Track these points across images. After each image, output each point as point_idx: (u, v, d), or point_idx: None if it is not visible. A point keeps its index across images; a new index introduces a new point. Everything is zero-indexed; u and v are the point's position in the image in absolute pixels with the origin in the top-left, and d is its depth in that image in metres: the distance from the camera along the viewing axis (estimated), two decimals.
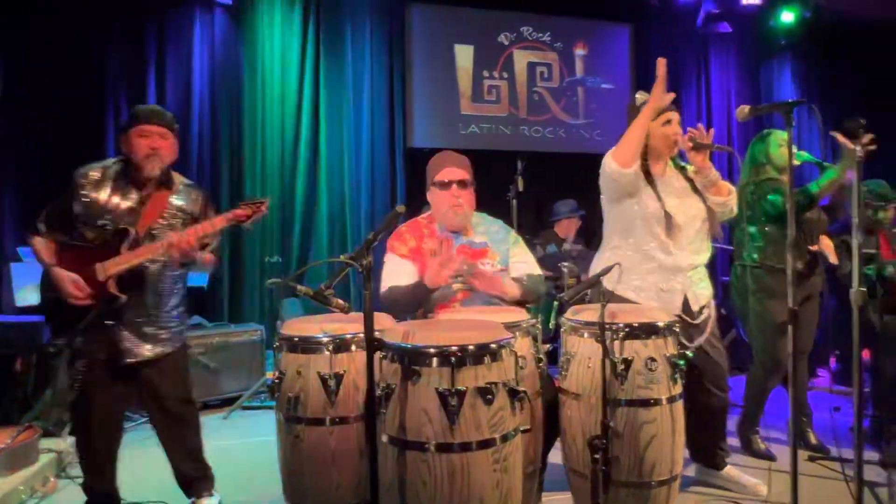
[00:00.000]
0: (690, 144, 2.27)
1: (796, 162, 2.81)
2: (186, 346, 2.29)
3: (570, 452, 1.97)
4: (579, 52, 5.85)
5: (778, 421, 3.21)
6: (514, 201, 4.27)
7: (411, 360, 1.51)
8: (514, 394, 1.55)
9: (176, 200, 2.12)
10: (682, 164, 2.47)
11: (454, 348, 1.49)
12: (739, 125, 5.98)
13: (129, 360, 2.03)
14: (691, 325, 2.28)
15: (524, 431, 1.63)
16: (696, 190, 2.38)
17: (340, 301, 1.57)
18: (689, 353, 1.93)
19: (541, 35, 5.75)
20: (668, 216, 2.25)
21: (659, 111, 2.25)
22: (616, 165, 2.23)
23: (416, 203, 3.30)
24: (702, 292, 2.36)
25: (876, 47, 6.47)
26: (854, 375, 2.13)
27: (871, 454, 2.72)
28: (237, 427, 3.54)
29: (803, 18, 5.40)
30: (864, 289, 1.95)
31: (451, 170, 2.25)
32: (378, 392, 1.53)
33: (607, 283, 2.28)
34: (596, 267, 2.47)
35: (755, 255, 2.82)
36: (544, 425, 1.99)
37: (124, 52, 4.49)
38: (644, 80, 6.01)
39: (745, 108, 2.02)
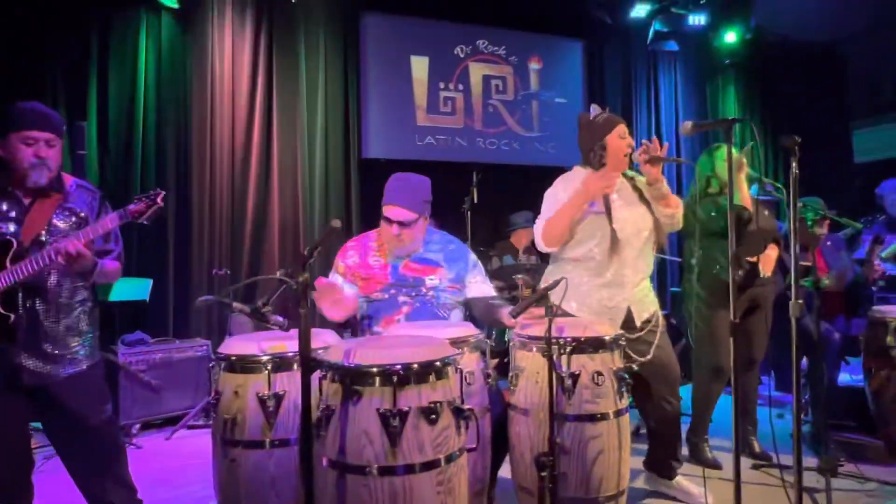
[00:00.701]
0: (645, 157, 2.30)
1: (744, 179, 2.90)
2: (99, 364, 2.05)
3: (519, 469, 1.95)
4: (534, 66, 5.93)
5: (724, 429, 3.28)
6: (469, 213, 4.28)
7: (353, 380, 1.45)
8: (459, 412, 1.51)
9: (67, 204, 1.92)
10: (631, 173, 2.50)
11: (398, 367, 1.44)
12: (686, 140, 6.17)
13: (29, 383, 1.84)
14: (636, 339, 2.30)
15: (470, 450, 1.60)
16: (644, 200, 2.42)
17: (279, 318, 1.51)
18: (635, 367, 1.94)
19: (496, 48, 5.80)
20: (613, 232, 2.27)
21: (589, 198, 2.26)
22: (546, 245, 2.33)
23: (371, 215, 3.25)
24: (647, 305, 2.39)
25: (812, 69, 6.81)
26: (793, 385, 2.19)
27: (812, 460, 2.80)
28: (180, 448, 3.39)
29: (745, 39, 5.63)
30: (801, 301, 2.00)
31: (396, 210, 2.19)
32: (317, 414, 1.47)
33: (554, 297, 2.30)
34: (544, 280, 2.49)
35: (699, 267, 2.89)
36: (493, 442, 1.97)
37: (64, 55, 4.28)
38: (597, 96, 6.15)
39: (689, 124, 2.06)
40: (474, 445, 1.62)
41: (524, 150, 5.83)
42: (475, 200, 4.41)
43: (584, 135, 2.44)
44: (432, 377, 1.48)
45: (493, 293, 2.33)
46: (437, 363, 1.49)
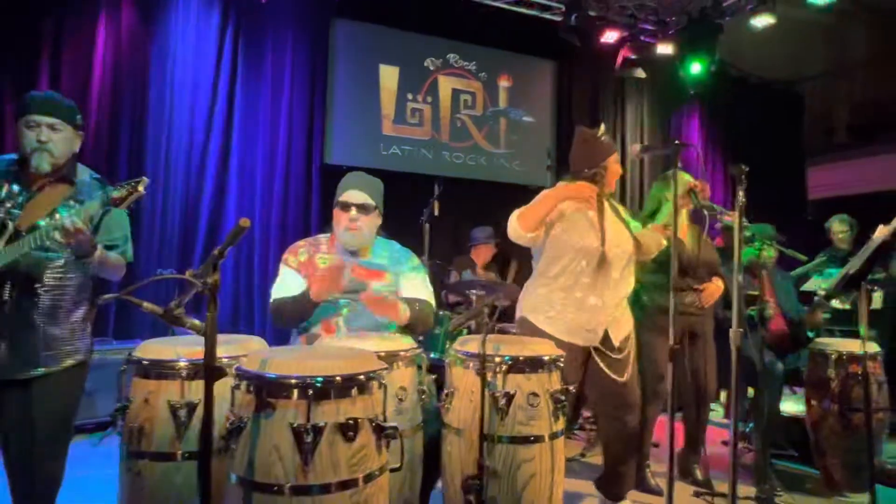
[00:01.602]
0: (680, 195, 2.34)
1: (690, 206, 2.92)
2: (83, 365, 1.94)
3: (449, 491, 1.87)
4: (503, 83, 5.96)
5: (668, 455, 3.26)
6: (427, 224, 4.23)
7: (268, 391, 1.36)
8: (380, 430, 1.44)
9: (78, 197, 1.86)
10: (612, 202, 2.52)
11: (318, 379, 1.36)
12: (651, 165, 6.24)
13: (7, 377, 1.75)
14: (615, 359, 2.33)
15: (393, 470, 1.52)
16: (624, 223, 2.45)
17: (195, 321, 1.41)
18: (571, 389, 1.89)
19: (466, 63, 5.81)
20: (603, 254, 2.30)
21: (575, 199, 2.30)
22: (518, 226, 2.29)
23: (331, 221, 3.17)
24: (625, 325, 2.42)
25: (772, 106, 7.03)
26: (732, 414, 2.19)
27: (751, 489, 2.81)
28: (110, 455, 3.20)
29: (710, 71, 5.77)
30: (742, 329, 2.01)
31: (355, 193, 2.21)
32: (227, 426, 1.37)
33: (530, 316, 2.28)
34: (524, 297, 2.50)
35: (642, 292, 2.88)
36: (426, 461, 1.89)
37: (15, 39, 4.09)
38: (565, 116, 6.21)
39: (637, 147, 2.09)
40: (398, 465, 1.55)
41: (489, 166, 5.82)
42: (436, 213, 4.37)
43: (585, 152, 2.44)
44: (354, 391, 1.40)
45: (426, 298, 2.26)
46: (361, 377, 1.42)
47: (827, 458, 3.06)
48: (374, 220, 2.25)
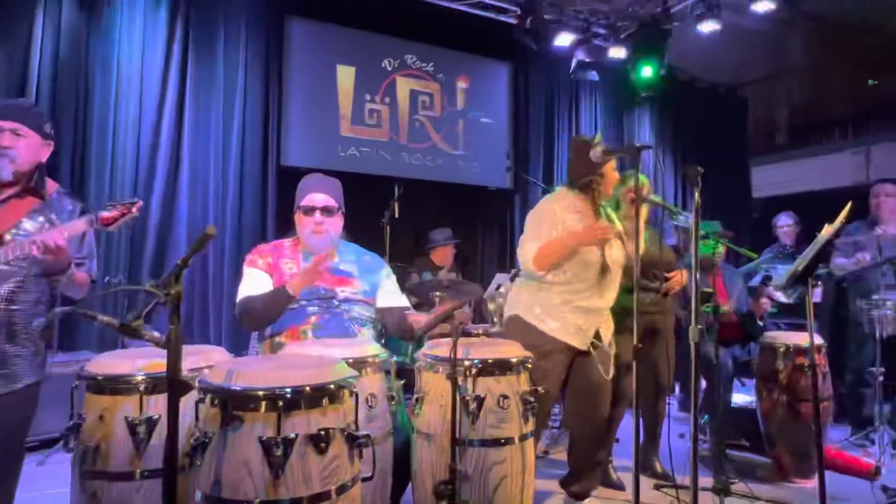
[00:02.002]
0: (633, 196, 2.34)
1: (651, 202, 3.00)
2: (39, 384, 1.86)
3: (419, 496, 1.86)
4: (461, 84, 5.97)
5: (629, 450, 3.34)
6: (388, 227, 4.20)
7: (234, 404, 1.32)
8: (353, 440, 1.41)
9: (45, 210, 1.78)
10: (605, 205, 2.56)
11: (286, 390, 1.32)
12: None
13: None
14: (605, 355, 2.41)
15: (365, 480, 1.49)
16: (618, 235, 2.50)
17: (155, 333, 1.34)
18: (540, 390, 1.91)
19: (424, 64, 5.79)
20: (605, 264, 2.35)
21: (586, 245, 2.33)
22: (535, 268, 2.33)
23: (289, 224, 3.11)
24: (610, 328, 2.51)
25: (718, 108, 7.32)
26: (692, 408, 2.25)
27: (708, 480, 2.90)
28: (57, 474, 3.03)
29: (660, 75, 5.95)
30: (700, 326, 2.07)
31: (317, 195, 2.18)
32: (192, 441, 1.32)
33: (526, 315, 2.30)
34: (517, 298, 2.52)
35: None
36: (395, 468, 1.87)
37: None
38: (522, 118, 6.28)
39: (599, 150, 2.11)
40: (370, 474, 1.52)
41: (448, 168, 5.83)
42: (396, 215, 4.34)
43: (581, 160, 2.42)
44: (325, 401, 1.37)
45: (406, 304, 2.25)
46: (332, 386, 1.39)
47: (777, 446, 3.20)
48: (339, 221, 2.23)
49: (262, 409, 1.30)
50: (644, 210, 2.80)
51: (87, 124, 4.34)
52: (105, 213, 1.67)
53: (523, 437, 1.84)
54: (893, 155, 6.13)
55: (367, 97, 5.49)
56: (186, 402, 1.46)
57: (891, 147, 6.21)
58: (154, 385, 1.52)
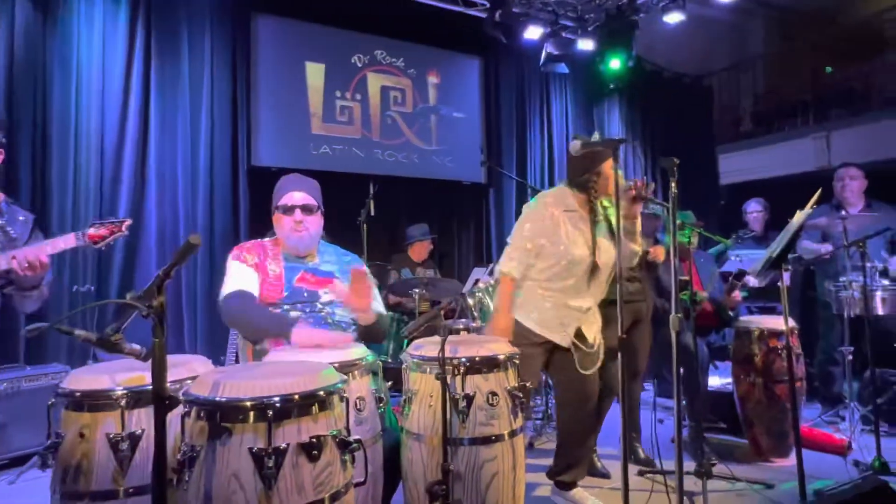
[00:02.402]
0: (633, 193, 2.34)
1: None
2: None
3: (411, 497, 1.85)
4: (432, 80, 5.94)
5: (612, 438, 3.39)
6: (365, 225, 4.16)
7: (222, 416, 1.28)
8: (345, 445, 1.39)
9: (5, 224, 1.74)
10: (607, 204, 2.54)
11: (275, 399, 1.30)
12: None
13: None
14: (586, 354, 2.40)
15: (357, 485, 1.48)
16: (611, 233, 2.47)
17: (135, 346, 1.30)
18: (529, 385, 1.92)
19: (394, 60, 5.75)
20: (592, 264, 2.35)
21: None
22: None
23: (261, 226, 3.05)
24: (595, 325, 2.50)
25: (684, 97, 7.44)
26: (675, 394, 2.29)
27: (690, 464, 2.96)
28: (32, 494, 2.93)
29: (628, 67, 6.01)
30: (680, 314, 2.10)
31: (295, 194, 2.15)
32: (179, 456, 1.28)
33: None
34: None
35: None
36: (385, 469, 1.86)
37: None
38: (493, 112, 6.28)
39: (577, 144, 2.11)
40: (363, 479, 1.50)
41: (422, 163, 5.80)
42: (372, 213, 4.30)
43: (577, 159, 2.40)
44: (315, 408, 1.35)
45: (380, 308, 2.22)
46: (321, 393, 1.36)
47: (754, 427, 3.29)
48: (319, 220, 2.20)
49: (252, 419, 1.28)
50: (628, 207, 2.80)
51: (46, 128, 4.18)
52: (92, 231, 1.62)
53: (513, 434, 1.84)
54: (852, 140, 6.33)
55: (338, 94, 5.42)
56: (170, 416, 1.42)
57: (849, 132, 6.40)
58: (136, 400, 1.47)
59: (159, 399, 1.09)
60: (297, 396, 1.32)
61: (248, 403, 1.28)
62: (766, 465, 3.22)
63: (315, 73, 5.32)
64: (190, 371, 1.59)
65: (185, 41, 4.72)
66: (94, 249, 4.33)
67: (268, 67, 5.09)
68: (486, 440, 1.78)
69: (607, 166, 2.37)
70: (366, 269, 2.31)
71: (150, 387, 1.46)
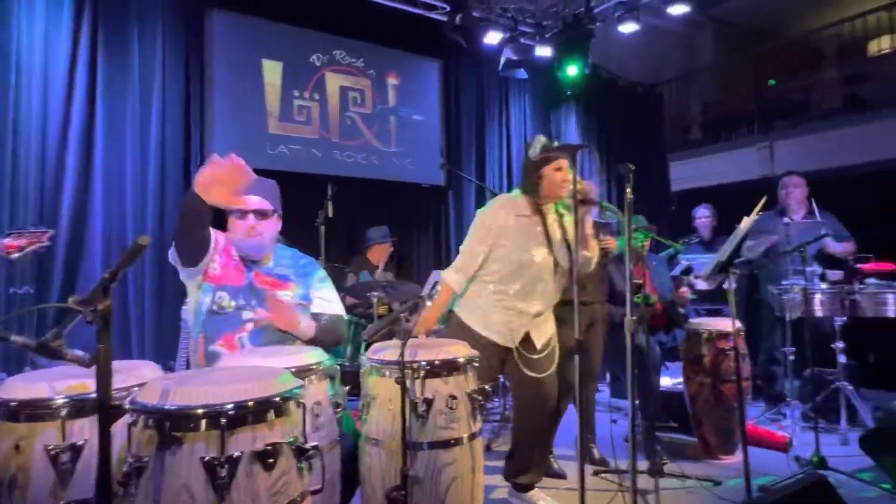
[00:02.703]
0: (580, 197, 2.36)
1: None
2: None
3: (369, 503, 1.82)
4: (392, 81, 5.91)
5: (567, 439, 3.45)
6: (323, 227, 4.10)
7: (172, 425, 1.23)
8: (301, 452, 1.36)
9: None
10: (563, 210, 2.56)
11: (229, 406, 1.25)
12: None
13: None
14: (532, 359, 2.40)
15: (314, 492, 1.45)
16: (566, 242, 2.49)
17: (78, 353, 1.23)
18: (487, 388, 1.92)
19: (354, 60, 5.69)
20: (542, 266, 2.36)
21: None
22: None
23: (216, 227, 2.95)
24: (546, 330, 2.50)
25: (636, 105, 7.65)
26: (629, 396, 2.34)
27: (643, 463, 3.03)
28: None
29: (584, 74, 6.14)
30: (635, 318, 2.16)
31: (251, 198, 2.07)
32: (125, 468, 1.22)
33: (458, 310, 2.31)
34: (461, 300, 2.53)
35: None
36: (342, 477, 1.82)
37: None
38: (453, 115, 6.30)
39: (537, 146, 2.15)
40: (320, 486, 1.47)
41: (382, 165, 5.76)
42: (330, 214, 4.24)
43: (527, 163, 2.48)
44: (271, 415, 1.31)
45: (336, 310, 2.19)
46: (277, 399, 1.33)
47: (703, 426, 3.40)
48: (275, 225, 2.14)
49: (203, 427, 1.23)
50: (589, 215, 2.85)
51: None
52: (8, 241, 1.51)
53: (472, 437, 1.85)
54: (793, 149, 6.65)
55: (296, 93, 5.32)
56: (115, 425, 1.35)
57: (791, 142, 6.73)
58: (78, 409, 1.40)
59: (104, 408, 1.04)
60: (251, 403, 1.28)
61: (200, 411, 1.23)
62: (715, 462, 3.33)
63: (272, 72, 5.21)
64: (137, 378, 1.52)
65: (134, 37, 4.53)
66: (31, 254, 4.15)
67: (223, 65, 4.95)
68: (446, 444, 1.77)
69: (550, 169, 2.40)
70: (322, 272, 2.27)
71: (94, 395, 1.40)
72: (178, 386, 1.29)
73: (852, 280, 3.69)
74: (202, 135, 4.85)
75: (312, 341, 2.02)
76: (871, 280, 3.68)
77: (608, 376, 4.91)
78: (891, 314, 3.57)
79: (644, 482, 2.72)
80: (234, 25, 5.02)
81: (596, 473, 3.11)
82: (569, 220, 2.52)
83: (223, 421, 1.23)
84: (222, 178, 1.74)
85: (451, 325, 2.52)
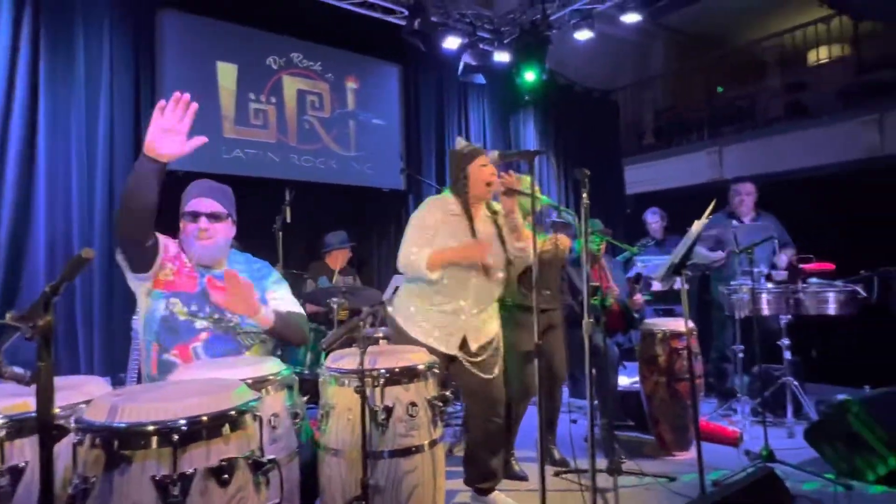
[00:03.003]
0: (502, 188, 2.37)
1: (540, 205, 3.15)
2: None
3: None
4: (351, 85, 5.87)
5: (528, 441, 3.48)
6: (280, 233, 4.03)
7: (121, 443, 1.19)
8: (258, 466, 1.33)
9: None
10: (496, 207, 2.56)
11: (181, 422, 1.21)
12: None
13: None
14: (474, 362, 2.38)
15: None
16: (500, 238, 2.49)
17: (16, 370, 1.17)
18: (448, 393, 1.93)
19: (311, 63, 5.62)
20: (479, 268, 2.34)
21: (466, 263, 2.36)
22: (427, 269, 2.30)
23: (166, 232, 2.86)
24: (487, 330, 2.49)
25: (592, 111, 7.83)
26: (587, 397, 2.39)
27: (603, 462, 3.09)
28: None
29: (541, 80, 6.24)
30: (592, 319, 2.21)
31: (203, 201, 2.05)
32: (70, 490, 1.17)
33: (397, 317, 2.28)
34: (396, 297, 2.52)
35: (504, 293, 3.04)
36: (302, 489, 1.79)
37: None
38: (413, 120, 6.30)
39: (496, 154, 2.17)
40: (278, 500, 1.44)
41: (341, 170, 5.71)
42: (288, 220, 4.17)
43: (451, 164, 2.54)
44: (226, 429, 1.27)
45: (293, 307, 2.15)
46: (233, 413, 1.30)
47: (659, 424, 3.49)
48: (228, 229, 2.09)
49: (155, 444, 1.19)
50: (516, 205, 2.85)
51: None
52: None
53: (433, 443, 1.84)
54: (740, 154, 6.92)
55: (252, 96, 5.22)
56: (59, 446, 1.29)
57: (738, 148, 7.00)
58: (18, 429, 1.33)
59: (45, 428, 0.99)
60: (205, 418, 1.25)
61: (151, 428, 1.19)
62: (671, 458, 3.43)
63: (227, 74, 5.10)
64: (83, 395, 1.46)
65: (80, 36, 4.35)
66: None
67: (174, 67, 4.81)
68: (407, 451, 1.77)
69: (475, 167, 2.43)
70: (277, 274, 2.23)
71: (35, 414, 1.34)
72: (127, 402, 1.24)
73: (796, 280, 3.86)
74: None
75: (272, 333, 1.98)
76: (814, 280, 3.86)
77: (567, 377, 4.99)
78: (832, 312, 3.75)
79: (603, 481, 2.78)
80: (187, 26, 4.89)
81: (557, 474, 3.15)
82: (501, 216, 2.52)
83: (175, 437, 1.19)
84: (170, 125, 1.69)
85: (395, 331, 2.50)
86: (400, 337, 2.41)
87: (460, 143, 2.52)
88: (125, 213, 1.81)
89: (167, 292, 1.95)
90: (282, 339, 2.07)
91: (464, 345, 2.42)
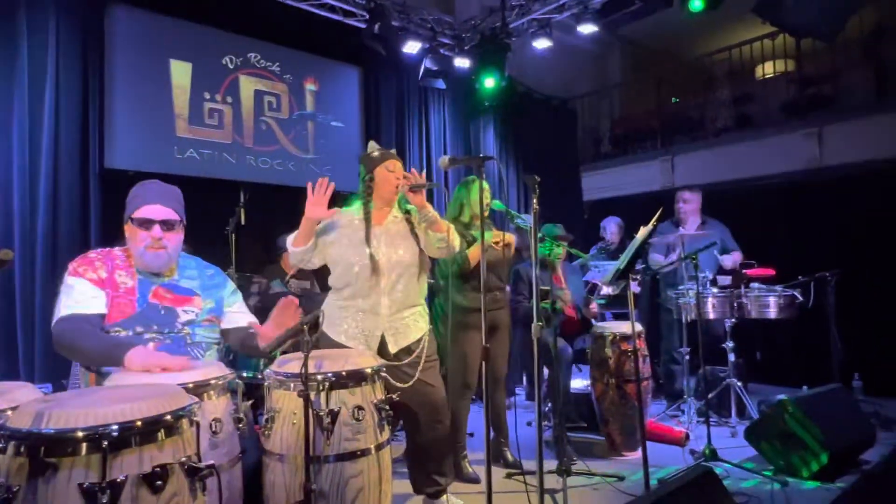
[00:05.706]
0: (406, 185, 2.39)
1: (493, 208, 3.21)
2: None
3: None
4: (310, 86, 5.82)
5: (481, 443, 3.52)
6: (233, 235, 3.96)
7: (47, 450, 1.15)
8: (194, 472, 1.31)
9: None
10: (408, 207, 2.56)
11: (113, 427, 1.19)
12: (453, 174, 6.61)
13: None
14: (396, 367, 2.35)
15: None
16: (414, 235, 2.49)
17: None
18: (395, 397, 1.94)
19: (269, 64, 5.55)
20: (373, 262, 2.31)
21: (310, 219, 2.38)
22: (292, 245, 2.40)
23: (115, 233, 2.78)
24: (407, 335, 2.44)
25: (551, 118, 7.97)
26: (535, 396, 2.43)
27: (553, 463, 3.15)
28: None
29: (501, 86, 6.31)
30: (542, 322, 2.26)
31: (155, 207, 1.96)
32: None
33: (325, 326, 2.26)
34: (325, 309, 2.48)
35: (450, 293, 3.07)
36: (245, 495, 1.77)
37: None
38: (373, 123, 6.28)
39: (446, 159, 2.21)
40: None
41: (299, 172, 5.64)
42: (242, 222, 4.10)
43: (361, 167, 2.57)
44: (161, 435, 1.25)
45: (252, 320, 2.13)
46: (168, 417, 1.27)
47: (609, 424, 3.58)
48: (179, 236, 2.03)
49: (83, 451, 1.16)
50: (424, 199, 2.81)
51: None
52: None
53: (379, 447, 1.84)
54: (690, 163, 7.17)
55: (207, 96, 5.11)
56: None
57: (689, 156, 7.25)
58: None
59: None
60: (139, 423, 1.22)
61: (80, 434, 1.16)
62: (620, 458, 3.51)
63: (181, 72, 4.98)
64: (9, 401, 1.41)
65: (23, 30, 4.18)
66: None
67: (125, 63, 4.68)
68: (352, 455, 1.76)
69: (380, 171, 2.47)
70: (232, 285, 2.20)
71: None
72: (54, 408, 1.20)
73: (739, 285, 4.02)
74: (101, 138, 4.55)
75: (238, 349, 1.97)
76: (755, 284, 4.03)
77: (524, 379, 5.05)
78: (772, 315, 3.93)
79: (553, 482, 2.83)
80: (138, 22, 4.77)
81: (508, 476, 3.19)
82: (415, 215, 2.51)
83: (105, 443, 1.16)
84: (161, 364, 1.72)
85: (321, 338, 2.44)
86: (322, 339, 2.34)
87: (372, 147, 2.55)
88: (69, 353, 1.84)
89: (107, 324, 1.86)
90: (247, 351, 2.05)
91: (382, 346, 2.37)
